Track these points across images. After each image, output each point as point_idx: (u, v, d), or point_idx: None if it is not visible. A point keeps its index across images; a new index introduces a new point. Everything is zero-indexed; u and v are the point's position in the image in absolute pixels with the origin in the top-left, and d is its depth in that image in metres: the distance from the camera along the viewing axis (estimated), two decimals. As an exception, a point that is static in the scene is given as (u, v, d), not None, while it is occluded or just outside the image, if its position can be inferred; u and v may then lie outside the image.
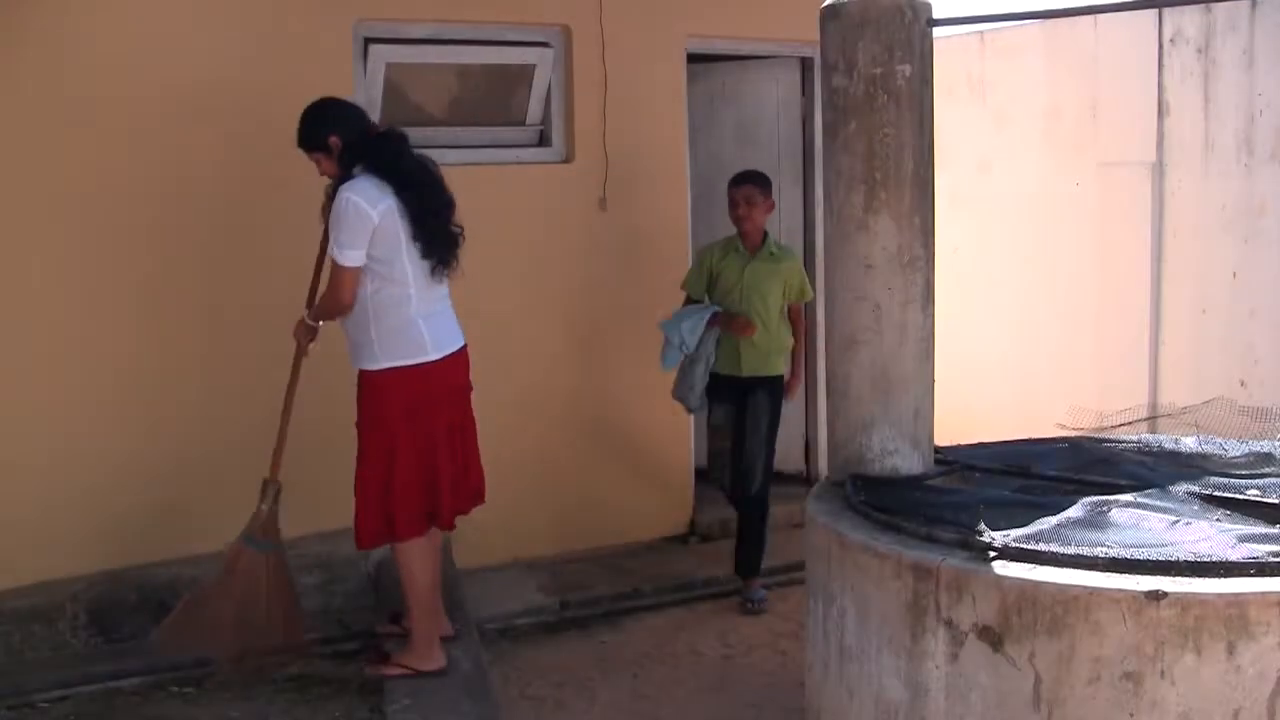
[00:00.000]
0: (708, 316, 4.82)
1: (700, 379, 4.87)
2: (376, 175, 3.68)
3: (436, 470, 3.80)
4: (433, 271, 3.75)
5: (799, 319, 5.03)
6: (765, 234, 4.87)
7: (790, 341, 4.99)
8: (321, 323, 3.94)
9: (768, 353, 4.86)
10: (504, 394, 4.76)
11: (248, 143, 4.51)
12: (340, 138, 3.76)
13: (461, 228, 3.86)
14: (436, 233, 3.75)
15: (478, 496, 4.03)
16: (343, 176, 3.73)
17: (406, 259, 3.70)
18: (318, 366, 4.11)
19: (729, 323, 4.81)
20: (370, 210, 3.61)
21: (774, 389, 4.91)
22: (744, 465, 4.83)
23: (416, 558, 3.83)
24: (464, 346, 3.92)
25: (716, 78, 6.04)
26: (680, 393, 4.96)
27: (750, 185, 4.80)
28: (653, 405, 5.32)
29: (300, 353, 4.00)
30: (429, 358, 3.75)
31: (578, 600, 4.83)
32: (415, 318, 3.75)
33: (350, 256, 3.65)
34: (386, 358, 3.75)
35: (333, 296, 3.74)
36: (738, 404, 4.86)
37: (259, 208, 4.55)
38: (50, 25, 4.20)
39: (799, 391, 5.22)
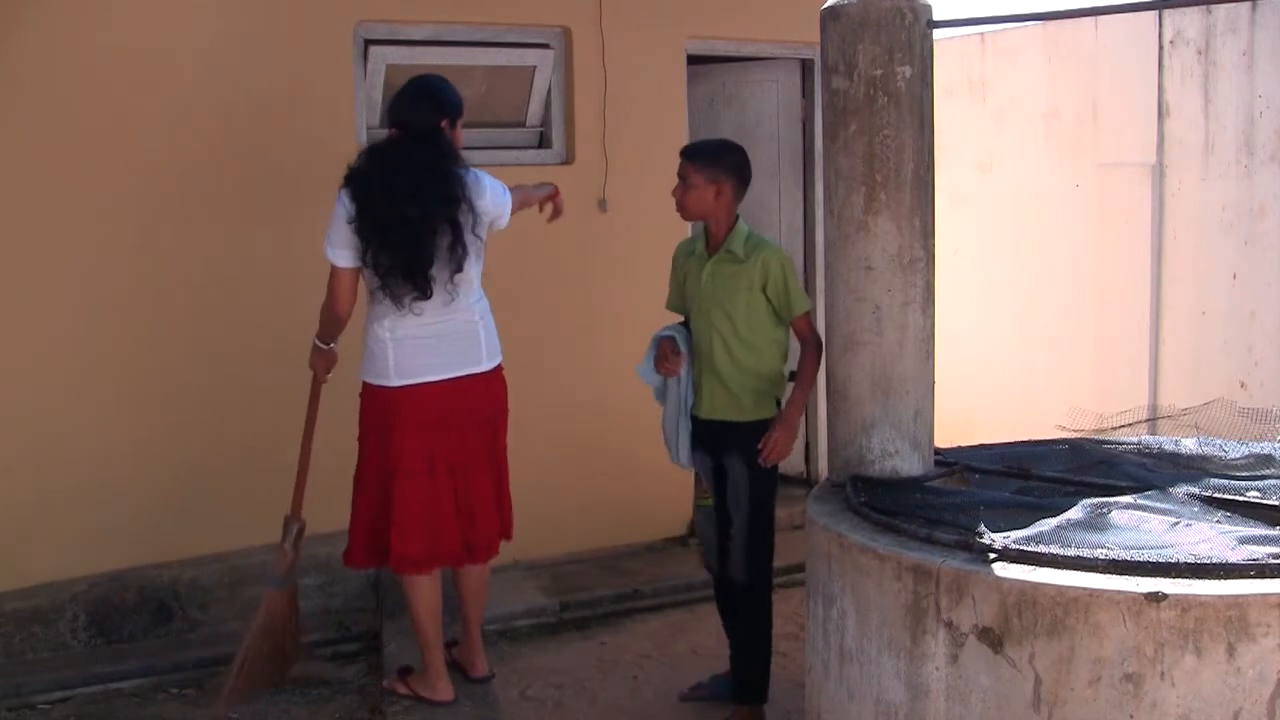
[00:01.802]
0: (655, 344, 3.79)
1: (671, 424, 3.79)
2: (348, 181, 3.59)
3: (390, 506, 3.62)
4: (392, 298, 3.54)
5: (804, 339, 3.70)
6: (736, 220, 3.73)
7: (781, 373, 3.75)
8: (333, 344, 3.80)
9: (738, 391, 3.68)
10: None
11: (248, 143, 4.52)
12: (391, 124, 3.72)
13: (445, 275, 3.58)
14: (379, 260, 3.51)
15: (481, 545, 3.75)
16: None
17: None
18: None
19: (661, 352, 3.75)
20: (345, 211, 3.54)
21: (752, 448, 3.64)
22: (730, 545, 3.76)
23: (414, 590, 3.72)
24: (468, 376, 3.67)
25: (717, 79, 6.04)
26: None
27: (684, 160, 3.73)
28: (652, 406, 5.31)
29: (316, 382, 3.87)
30: (389, 383, 3.62)
31: (578, 601, 4.83)
32: (384, 338, 3.62)
33: (334, 255, 3.57)
34: (363, 371, 3.71)
35: (327, 300, 3.66)
36: (713, 454, 3.78)
37: (259, 208, 4.55)
38: (49, 25, 4.20)
39: (784, 449, 3.65)
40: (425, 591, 3.72)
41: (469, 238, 3.59)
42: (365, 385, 3.72)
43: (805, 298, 3.70)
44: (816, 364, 3.64)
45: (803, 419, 3.83)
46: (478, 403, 3.72)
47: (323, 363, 3.82)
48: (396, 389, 3.62)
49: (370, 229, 3.50)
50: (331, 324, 3.71)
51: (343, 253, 3.56)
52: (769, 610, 3.79)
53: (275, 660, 3.94)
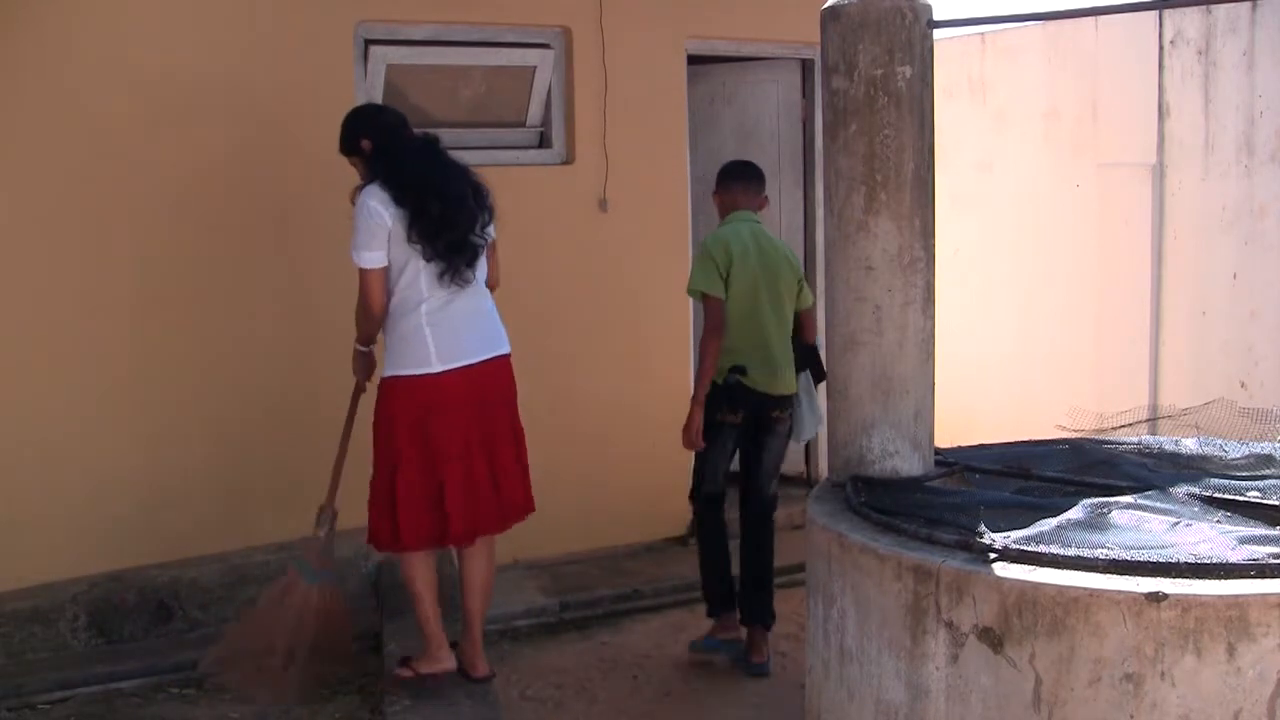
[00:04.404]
0: None
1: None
2: (387, 180, 3.66)
3: (443, 486, 3.70)
4: (440, 278, 3.67)
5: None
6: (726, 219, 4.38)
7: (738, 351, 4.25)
8: (372, 347, 3.88)
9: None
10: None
11: (248, 143, 4.52)
12: (372, 142, 3.75)
13: (485, 239, 3.77)
14: (440, 239, 3.65)
15: (513, 513, 3.89)
16: (368, 181, 3.70)
17: (420, 265, 3.65)
18: (328, 369, 4.10)
19: None
20: (384, 211, 3.60)
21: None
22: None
23: (413, 566, 3.78)
24: (496, 358, 3.80)
25: (717, 79, 6.04)
26: None
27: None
28: (652, 406, 5.32)
29: (358, 387, 3.97)
30: (432, 369, 3.67)
31: (578, 601, 4.83)
32: (423, 326, 3.67)
33: (367, 259, 3.64)
34: (393, 365, 3.73)
35: (362, 303, 3.74)
36: None
37: (259, 208, 4.55)
38: (50, 25, 4.20)
39: (686, 439, 4.32)
40: (420, 566, 3.80)
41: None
42: (395, 379, 3.72)
43: (700, 278, 4.16)
44: (705, 352, 4.17)
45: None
46: (505, 382, 3.87)
47: (364, 369, 3.95)
48: (440, 374, 3.69)
49: (429, 220, 3.62)
50: (370, 324, 3.80)
51: (373, 255, 3.64)
52: (704, 530, 4.36)
53: (296, 653, 3.97)
